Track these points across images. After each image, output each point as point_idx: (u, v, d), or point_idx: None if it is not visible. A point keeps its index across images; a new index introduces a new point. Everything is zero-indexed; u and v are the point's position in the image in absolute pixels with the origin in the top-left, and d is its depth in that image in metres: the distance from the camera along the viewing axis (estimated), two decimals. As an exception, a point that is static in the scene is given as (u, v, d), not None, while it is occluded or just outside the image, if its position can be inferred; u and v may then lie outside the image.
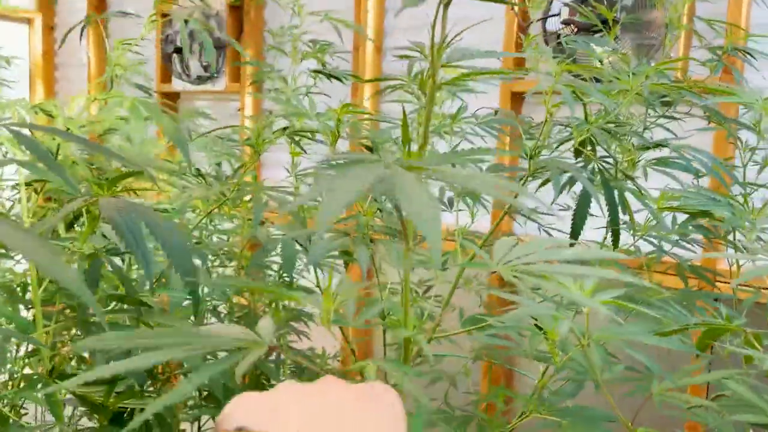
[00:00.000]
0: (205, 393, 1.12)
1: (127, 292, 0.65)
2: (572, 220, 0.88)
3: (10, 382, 1.23)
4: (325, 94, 1.40)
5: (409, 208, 0.32)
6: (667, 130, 1.23)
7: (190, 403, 1.26)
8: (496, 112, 1.01)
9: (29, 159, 0.62)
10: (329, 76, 1.28)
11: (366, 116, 1.22)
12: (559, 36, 1.92)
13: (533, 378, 1.10)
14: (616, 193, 0.89)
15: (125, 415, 0.68)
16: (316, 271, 1.46)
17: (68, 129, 0.79)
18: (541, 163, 0.85)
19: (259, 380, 1.32)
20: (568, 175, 0.89)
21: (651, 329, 0.78)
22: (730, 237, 1.16)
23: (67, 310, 0.77)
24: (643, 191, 0.89)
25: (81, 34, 1.53)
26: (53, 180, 0.71)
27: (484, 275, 2.10)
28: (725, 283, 1.59)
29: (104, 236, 0.65)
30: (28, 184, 0.82)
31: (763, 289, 1.27)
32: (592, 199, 1.01)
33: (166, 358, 0.40)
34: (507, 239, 0.51)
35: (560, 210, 1.48)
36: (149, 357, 0.39)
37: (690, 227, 0.92)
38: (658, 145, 0.94)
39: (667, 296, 1.12)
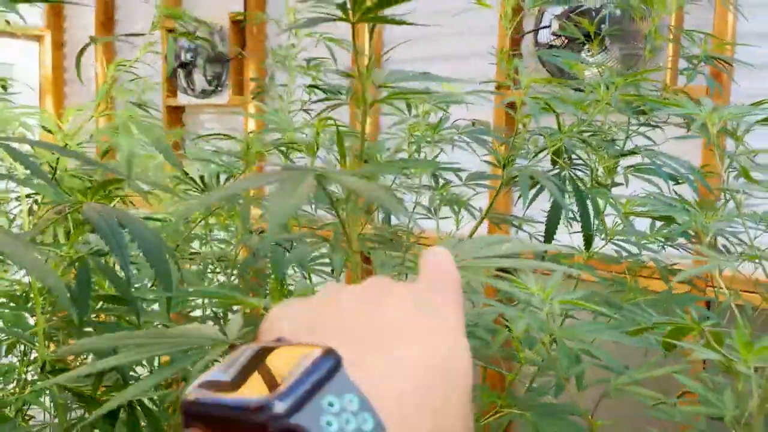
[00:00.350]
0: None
1: (119, 292, 0.69)
2: (545, 225, 0.92)
3: (16, 389, 1.28)
4: (309, 106, 1.45)
5: (271, 198, 0.37)
6: (648, 138, 1.26)
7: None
8: (473, 123, 1.05)
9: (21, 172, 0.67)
10: (324, 91, 1.33)
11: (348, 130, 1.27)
12: (550, 47, 1.96)
13: (524, 380, 1.13)
14: (589, 199, 0.93)
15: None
16: (309, 276, 1.51)
17: (66, 144, 0.85)
18: (514, 171, 0.89)
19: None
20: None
21: (618, 328, 0.82)
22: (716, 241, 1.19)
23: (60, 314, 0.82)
24: (613, 198, 0.92)
25: (82, 53, 1.59)
26: (46, 192, 0.76)
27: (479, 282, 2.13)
28: (713, 287, 1.62)
29: (96, 242, 0.69)
30: (28, 196, 0.88)
31: (744, 291, 1.31)
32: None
33: (137, 357, 0.44)
34: (451, 238, 0.54)
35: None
36: (121, 357, 0.43)
37: (673, 232, 0.95)
38: (631, 152, 0.98)
39: (646, 299, 1.16)
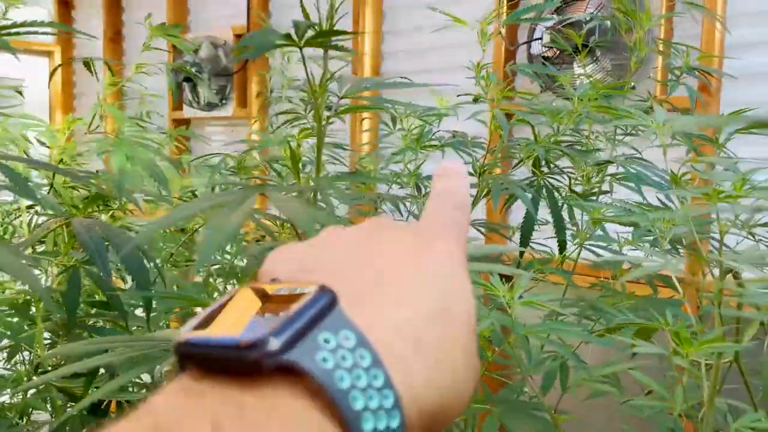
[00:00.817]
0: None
1: (107, 298, 0.74)
2: (520, 231, 0.95)
3: (20, 395, 1.33)
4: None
5: (212, 217, 0.40)
6: (633, 147, 1.30)
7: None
8: (454, 135, 1.09)
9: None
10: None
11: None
12: (544, 59, 2.00)
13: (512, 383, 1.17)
14: (565, 207, 0.97)
15: (102, 405, 0.77)
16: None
17: (62, 160, 0.90)
18: (488, 179, 0.93)
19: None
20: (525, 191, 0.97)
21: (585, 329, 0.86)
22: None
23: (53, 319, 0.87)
24: (584, 205, 0.96)
25: (88, 65, 1.64)
26: (44, 205, 0.81)
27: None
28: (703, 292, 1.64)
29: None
30: (29, 207, 0.93)
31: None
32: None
33: (108, 360, 0.48)
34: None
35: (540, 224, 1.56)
36: (94, 360, 0.47)
37: (636, 236, 0.99)
38: (607, 162, 1.02)
39: (629, 304, 1.19)
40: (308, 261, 0.35)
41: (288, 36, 0.50)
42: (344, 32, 0.51)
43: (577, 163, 1.01)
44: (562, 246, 0.97)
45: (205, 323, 0.29)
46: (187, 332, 0.29)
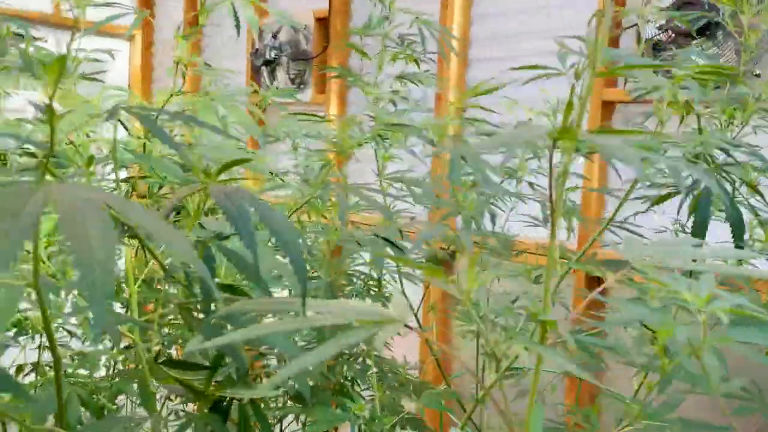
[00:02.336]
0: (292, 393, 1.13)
1: (246, 276, 0.65)
2: (693, 224, 0.83)
3: (107, 377, 1.29)
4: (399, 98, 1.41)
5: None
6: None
7: (273, 405, 1.28)
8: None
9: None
10: (414, 81, 1.29)
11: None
12: (655, 44, 1.85)
13: (615, 391, 1.05)
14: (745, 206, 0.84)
15: (224, 403, 0.70)
16: (400, 279, 1.47)
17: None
18: (657, 159, 0.80)
19: (343, 385, 1.33)
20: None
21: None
22: None
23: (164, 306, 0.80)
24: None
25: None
26: (150, 173, 0.74)
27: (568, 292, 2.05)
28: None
29: (201, 226, 0.66)
30: (125, 180, 0.86)
31: None
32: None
33: (295, 326, 0.38)
34: (633, 238, 0.49)
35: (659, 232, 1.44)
36: (278, 324, 0.37)
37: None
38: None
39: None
40: None
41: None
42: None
43: (744, 167, 0.89)
44: (740, 247, 0.84)
45: None
46: None
